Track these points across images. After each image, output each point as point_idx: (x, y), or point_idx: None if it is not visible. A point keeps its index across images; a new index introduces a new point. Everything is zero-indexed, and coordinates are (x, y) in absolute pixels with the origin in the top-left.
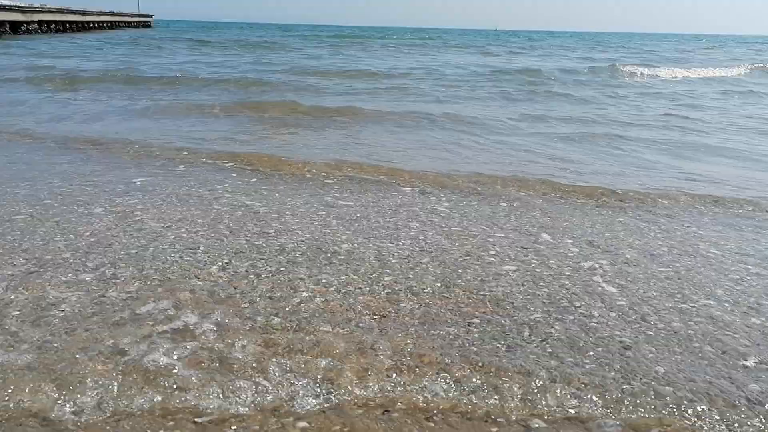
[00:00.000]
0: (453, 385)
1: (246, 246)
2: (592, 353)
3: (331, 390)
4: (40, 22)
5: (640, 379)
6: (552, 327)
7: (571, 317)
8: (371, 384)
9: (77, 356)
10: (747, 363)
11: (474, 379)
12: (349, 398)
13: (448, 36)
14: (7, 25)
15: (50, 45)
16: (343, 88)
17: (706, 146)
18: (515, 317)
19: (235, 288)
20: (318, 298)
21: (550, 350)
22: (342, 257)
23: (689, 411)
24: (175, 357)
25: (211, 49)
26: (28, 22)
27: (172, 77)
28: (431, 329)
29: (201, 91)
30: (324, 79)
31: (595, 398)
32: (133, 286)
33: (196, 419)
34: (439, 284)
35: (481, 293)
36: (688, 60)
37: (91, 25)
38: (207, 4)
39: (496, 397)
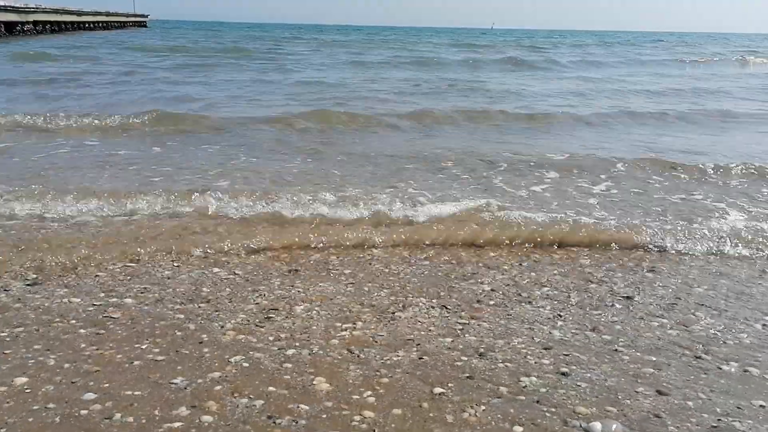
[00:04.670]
0: None
1: None
2: None
3: None
4: (35, 23)
5: None
6: None
7: None
8: None
9: None
10: None
11: None
12: None
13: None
14: (2, 26)
15: None
16: None
17: None
18: None
19: None
20: None
21: None
22: None
23: None
24: None
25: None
26: (23, 23)
27: None
28: None
29: None
30: None
31: None
32: None
33: None
34: None
35: None
36: None
37: (87, 25)
38: (202, 3)
39: None
